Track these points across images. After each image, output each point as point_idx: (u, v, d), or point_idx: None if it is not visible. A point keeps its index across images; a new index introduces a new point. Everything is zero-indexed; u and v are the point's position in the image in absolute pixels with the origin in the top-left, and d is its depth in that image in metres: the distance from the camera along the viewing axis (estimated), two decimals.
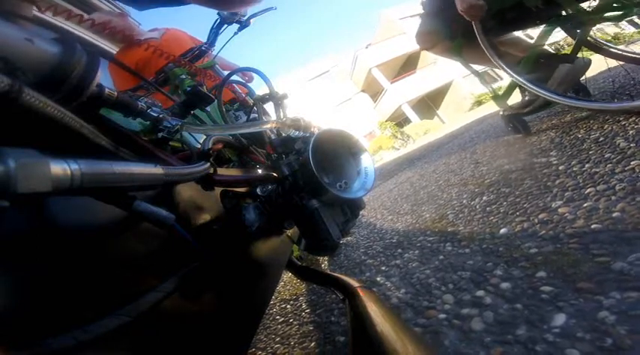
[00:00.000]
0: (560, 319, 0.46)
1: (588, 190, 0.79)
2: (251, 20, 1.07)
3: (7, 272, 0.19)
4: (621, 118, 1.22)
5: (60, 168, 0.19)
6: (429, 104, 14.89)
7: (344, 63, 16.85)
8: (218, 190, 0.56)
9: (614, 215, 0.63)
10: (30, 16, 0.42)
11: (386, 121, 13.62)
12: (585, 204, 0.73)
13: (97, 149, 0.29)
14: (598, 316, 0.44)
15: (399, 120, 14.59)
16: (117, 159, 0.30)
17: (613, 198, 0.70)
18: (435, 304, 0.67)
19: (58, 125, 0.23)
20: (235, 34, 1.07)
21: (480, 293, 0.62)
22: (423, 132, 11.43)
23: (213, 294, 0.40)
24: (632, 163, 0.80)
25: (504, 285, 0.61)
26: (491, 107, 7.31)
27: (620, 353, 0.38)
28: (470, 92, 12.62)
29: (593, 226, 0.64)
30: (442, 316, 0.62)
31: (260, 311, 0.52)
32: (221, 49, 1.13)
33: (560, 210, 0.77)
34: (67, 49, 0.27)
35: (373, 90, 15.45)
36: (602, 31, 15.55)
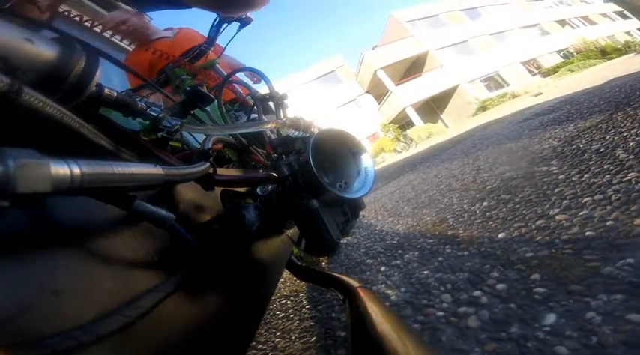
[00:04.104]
0: (550, 318, 0.49)
1: (585, 199, 0.82)
2: (251, 18, 1.06)
3: (7, 272, 0.19)
4: (623, 129, 1.24)
5: (60, 168, 0.19)
6: (433, 108, 14.86)
7: (349, 64, 16.90)
8: (218, 190, 0.56)
9: (608, 223, 0.66)
10: (32, 17, 0.42)
11: (389, 123, 13.62)
12: (581, 213, 0.76)
13: (96, 149, 0.29)
14: (586, 316, 0.47)
15: (403, 123, 14.57)
16: (117, 159, 0.30)
17: (608, 207, 0.73)
18: (434, 303, 0.70)
19: (57, 125, 0.23)
20: (237, 31, 1.08)
21: (477, 293, 0.65)
22: (426, 136, 11.42)
23: (213, 294, 0.40)
24: (629, 175, 0.83)
25: (500, 286, 0.63)
26: (495, 113, 7.30)
27: (604, 351, 0.41)
28: (475, 97, 12.59)
29: (587, 233, 0.66)
30: (440, 314, 0.65)
31: (261, 309, 0.53)
32: (225, 47, 1.15)
33: (557, 217, 0.80)
34: (66, 49, 0.27)
35: (378, 92, 15.43)
36: (613, 38, 15.47)
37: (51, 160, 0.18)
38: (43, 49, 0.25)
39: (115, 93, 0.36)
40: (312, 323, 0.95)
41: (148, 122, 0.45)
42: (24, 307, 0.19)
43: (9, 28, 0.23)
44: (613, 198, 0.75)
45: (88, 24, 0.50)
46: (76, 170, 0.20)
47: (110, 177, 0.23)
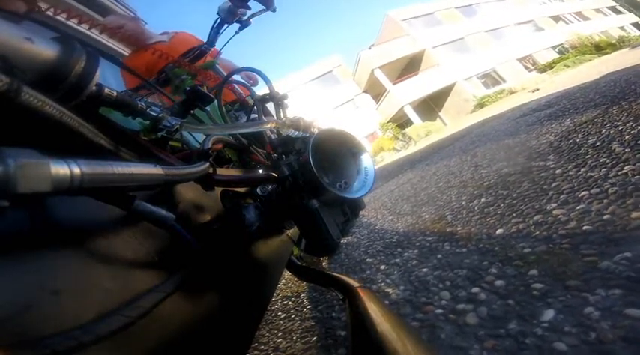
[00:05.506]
0: (549, 314, 0.49)
1: (582, 194, 0.82)
2: (251, 20, 1.07)
3: (7, 272, 0.19)
4: (619, 123, 1.25)
5: (60, 168, 0.19)
6: (431, 106, 14.86)
7: (347, 64, 16.91)
8: (218, 190, 0.56)
9: (605, 217, 0.66)
10: (32, 16, 0.42)
11: (388, 122, 13.64)
12: (578, 207, 0.76)
13: (96, 148, 0.29)
14: (584, 311, 0.47)
15: (401, 122, 14.57)
16: (117, 159, 0.30)
17: (605, 201, 0.73)
18: (433, 300, 0.70)
19: (57, 124, 0.23)
20: (236, 33, 1.08)
21: (475, 290, 0.65)
22: (425, 134, 11.43)
23: (213, 294, 0.40)
24: (625, 168, 0.83)
25: (498, 283, 0.63)
26: (493, 110, 7.31)
27: (603, 347, 0.41)
28: (472, 94, 12.60)
29: (584, 228, 0.67)
30: (439, 311, 0.65)
31: (261, 309, 0.53)
32: (222, 48, 1.15)
33: (554, 212, 0.80)
34: (66, 48, 0.26)
35: (375, 91, 15.42)
36: (607, 33, 15.52)
37: (51, 160, 0.18)
38: (43, 49, 0.25)
39: (115, 93, 0.36)
40: (312, 324, 0.95)
41: (147, 122, 0.45)
42: (24, 307, 0.19)
43: (9, 26, 0.23)
44: (610, 191, 0.76)
45: (85, 26, 0.49)
46: (76, 170, 0.20)
47: (110, 177, 0.23)
